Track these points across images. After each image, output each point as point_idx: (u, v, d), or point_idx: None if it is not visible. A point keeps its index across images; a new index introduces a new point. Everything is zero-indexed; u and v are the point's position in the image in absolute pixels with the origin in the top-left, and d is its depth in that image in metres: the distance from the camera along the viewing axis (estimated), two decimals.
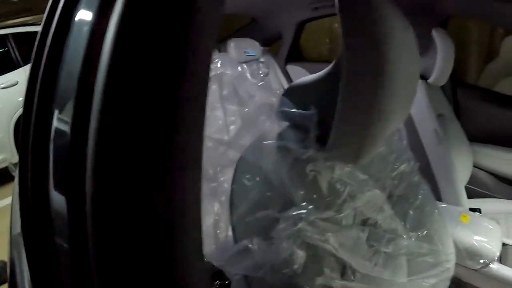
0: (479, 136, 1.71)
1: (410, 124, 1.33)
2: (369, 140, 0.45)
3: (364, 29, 0.42)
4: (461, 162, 1.56)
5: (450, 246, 0.89)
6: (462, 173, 1.57)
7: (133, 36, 0.27)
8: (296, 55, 2.37)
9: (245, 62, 2.15)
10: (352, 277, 0.58)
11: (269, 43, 2.38)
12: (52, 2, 0.39)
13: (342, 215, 0.54)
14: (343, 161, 0.52)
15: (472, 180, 1.69)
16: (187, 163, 0.28)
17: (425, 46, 1.41)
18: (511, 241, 1.15)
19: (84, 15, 0.35)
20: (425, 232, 0.84)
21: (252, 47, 2.17)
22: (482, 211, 1.42)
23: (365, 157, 0.48)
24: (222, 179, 1.09)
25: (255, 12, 2.19)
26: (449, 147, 1.48)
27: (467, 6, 1.47)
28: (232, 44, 2.05)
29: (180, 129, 0.27)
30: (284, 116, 0.57)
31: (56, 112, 0.35)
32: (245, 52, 2.12)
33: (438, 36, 1.32)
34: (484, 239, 1.07)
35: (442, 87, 1.75)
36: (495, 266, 1.04)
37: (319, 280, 0.49)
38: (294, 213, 0.44)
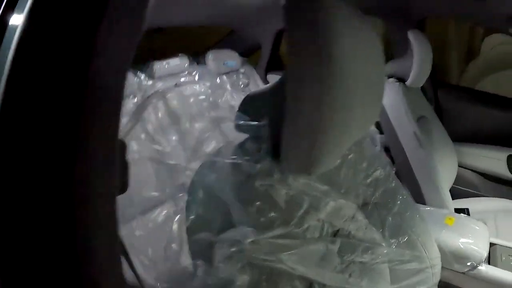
0: (462, 136, 1.71)
1: (389, 128, 1.32)
2: (319, 149, 0.42)
3: (305, 32, 0.39)
4: (446, 163, 1.55)
5: (434, 250, 0.87)
6: (448, 174, 1.56)
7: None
8: (276, 64, 2.35)
9: (225, 73, 2.13)
10: None
11: (249, 53, 2.37)
12: None
13: (303, 227, 0.51)
14: (297, 172, 0.49)
15: (459, 180, 1.68)
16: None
17: (404, 49, 1.41)
18: (500, 241, 1.13)
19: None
20: (407, 238, 0.82)
21: (231, 58, 2.15)
22: (470, 211, 1.40)
23: (320, 166, 0.45)
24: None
25: (232, 23, 2.18)
26: (433, 149, 1.47)
27: (442, 6, 1.48)
28: (210, 56, 2.03)
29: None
30: (241, 129, 0.54)
31: None
32: (224, 63, 2.10)
33: (413, 38, 1.31)
34: (471, 241, 1.05)
35: (423, 89, 1.75)
36: (483, 268, 1.02)
37: None
38: (229, 235, 0.41)
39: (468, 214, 1.37)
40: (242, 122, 0.53)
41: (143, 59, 1.51)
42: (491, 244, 1.12)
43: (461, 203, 1.51)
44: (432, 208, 1.23)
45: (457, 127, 1.73)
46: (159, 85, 1.43)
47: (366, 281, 0.71)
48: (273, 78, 2.33)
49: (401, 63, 1.37)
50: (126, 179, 0.35)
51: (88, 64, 0.27)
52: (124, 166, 0.34)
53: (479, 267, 1.02)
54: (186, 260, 0.56)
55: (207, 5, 1.56)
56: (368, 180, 0.77)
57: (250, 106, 0.55)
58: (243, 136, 0.54)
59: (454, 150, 1.61)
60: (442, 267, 1.00)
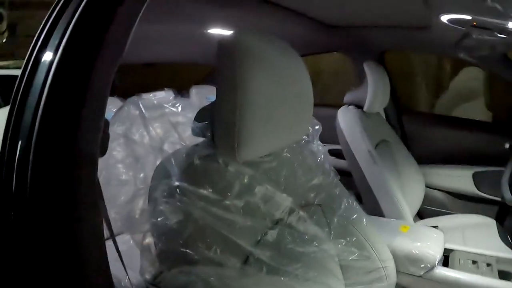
0: (429, 157, 1.82)
1: (347, 149, 1.46)
2: (236, 137, 0.60)
3: (226, 77, 0.61)
4: (412, 185, 1.64)
5: (385, 252, 0.93)
6: (415, 195, 1.64)
7: None
8: None
9: None
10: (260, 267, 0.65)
11: None
12: (31, 49, 0.51)
13: (240, 203, 0.65)
14: (226, 155, 0.65)
15: (428, 200, 1.77)
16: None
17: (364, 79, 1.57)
18: (458, 246, 1.20)
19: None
20: (355, 239, 0.89)
21: (213, 93, 2.30)
22: (439, 228, 1.46)
23: (241, 152, 0.61)
24: None
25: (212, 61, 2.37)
26: (397, 171, 1.57)
27: (396, 40, 1.65)
28: (193, 91, 2.21)
29: None
30: (194, 131, 0.68)
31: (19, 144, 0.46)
32: (206, 98, 2.26)
33: (368, 69, 1.47)
34: (424, 245, 1.11)
35: (387, 116, 1.89)
36: (439, 270, 1.07)
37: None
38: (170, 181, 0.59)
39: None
40: (193, 125, 0.67)
41: (136, 92, 1.68)
42: (450, 250, 1.18)
43: (431, 221, 1.58)
44: (388, 219, 1.31)
45: (423, 150, 1.85)
46: (146, 114, 1.57)
47: (313, 273, 0.77)
48: None
49: (358, 92, 1.52)
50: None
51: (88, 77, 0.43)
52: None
53: (435, 270, 1.07)
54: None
55: (191, 44, 1.74)
56: (309, 184, 0.87)
57: (200, 115, 0.69)
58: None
59: (419, 172, 1.71)
60: (400, 272, 1.06)
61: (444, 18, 1.12)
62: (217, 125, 0.63)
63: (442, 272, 1.08)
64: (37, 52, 0.49)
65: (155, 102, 1.75)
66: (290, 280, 0.72)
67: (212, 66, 2.49)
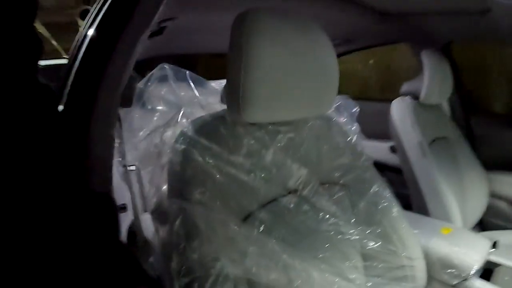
0: (495, 163, 1.63)
1: (397, 140, 1.36)
2: (241, 98, 0.64)
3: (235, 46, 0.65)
4: (475, 189, 1.50)
5: (415, 251, 0.86)
6: (476, 201, 1.50)
7: None
8: None
9: None
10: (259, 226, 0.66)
11: None
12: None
13: (243, 161, 0.68)
14: (234, 116, 0.68)
15: (493, 212, 1.59)
16: None
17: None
18: (505, 261, 1.05)
19: None
20: (380, 230, 0.84)
21: None
22: (499, 243, 1.26)
23: (247, 113, 0.65)
24: None
25: None
26: (458, 172, 1.44)
27: (456, 30, 1.50)
28: None
29: None
30: (221, 99, 0.75)
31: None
32: None
33: (425, 57, 1.37)
34: (462, 251, 1.00)
35: (454, 114, 1.73)
36: (475, 282, 0.95)
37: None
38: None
39: (495, 247, 1.23)
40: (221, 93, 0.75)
41: None
42: (497, 265, 1.04)
43: (492, 235, 1.39)
44: (431, 218, 1.20)
45: (491, 154, 1.65)
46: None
47: (323, 253, 0.75)
48: None
49: (415, 82, 1.42)
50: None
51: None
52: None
53: (471, 281, 0.95)
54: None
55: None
56: (335, 163, 0.84)
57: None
58: None
59: (484, 177, 1.55)
60: (433, 277, 0.99)
61: None
62: (226, 87, 0.67)
63: (478, 285, 0.95)
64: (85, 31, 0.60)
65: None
66: (291, 251, 0.70)
67: None
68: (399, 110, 1.38)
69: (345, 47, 2.06)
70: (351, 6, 1.34)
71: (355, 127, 0.93)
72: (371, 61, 2.35)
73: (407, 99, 1.43)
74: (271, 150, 0.72)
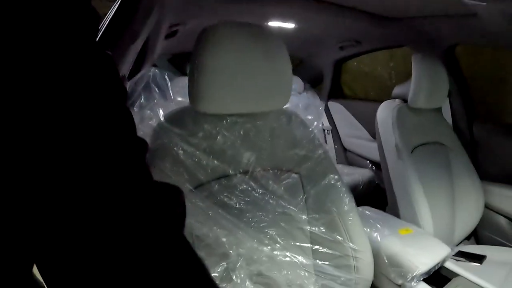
0: (497, 174, 1.60)
1: (378, 139, 1.41)
2: (196, 90, 0.80)
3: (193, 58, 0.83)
4: (468, 199, 1.48)
5: (361, 243, 0.92)
6: (470, 211, 1.49)
7: None
8: (337, 93, 2.55)
9: None
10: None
11: (317, 81, 2.63)
12: None
13: (201, 142, 0.84)
14: (193, 105, 0.83)
15: (489, 225, 1.57)
16: None
17: None
18: (466, 273, 1.01)
19: None
20: (329, 218, 0.92)
21: (295, 82, 2.44)
22: (487, 259, 1.25)
23: (202, 102, 0.81)
24: None
25: (300, 53, 2.50)
26: (449, 180, 1.45)
27: (454, 33, 1.52)
28: None
29: None
30: None
31: None
32: None
33: (414, 62, 1.39)
34: (413, 252, 1.00)
35: (456, 121, 1.72)
36: (419, 286, 0.94)
37: None
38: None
39: (480, 262, 1.22)
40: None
41: None
42: (456, 274, 1.02)
43: (484, 249, 1.36)
44: (394, 217, 1.22)
45: (492, 164, 1.63)
46: None
47: (272, 230, 0.85)
48: (333, 105, 2.52)
49: (405, 85, 1.44)
50: None
51: None
52: None
53: (416, 284, 0.94)
54: None
55: (289, 37, 1.94)
56: (291, 152, 0.94)
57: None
58: None
59: (480, 188, 1.52)
60: (382, 274, 1.02)
61: None
62: (188, 85, 0.83)
63: None
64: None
65: None
66: (235, 221, 0.81)
67: (300, 58, 2.63)
68: (383, 112, 1.42)
69: (356, 48, 2.16)
70: (354, 12, 1.49)
71: (320, 123, 1.01)
72: (391, 64, 2.37)
73: (396, 101, 1.46)
74: (226, 135, 0.86)
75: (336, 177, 0.97)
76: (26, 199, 0.26)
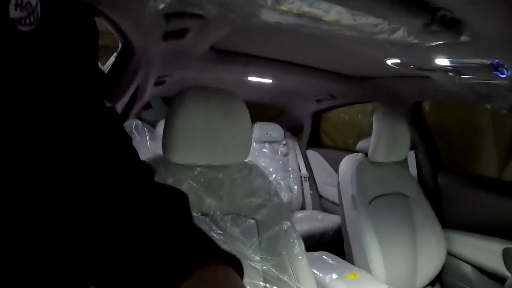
0: (458, 223, 1.68)
1: (339, 191, 1.52)
2: (168, 145, 0.95)
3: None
4: (430, 247, 1.56)
5: (308, 284, 1.01)
6: (431, 258, 1.56)
7: None
8: (315, 141, 2.69)
9: (267, 142, 2.57)
10: None
11: (298, 130, 2.78)
12: None
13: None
14: (166, 155, 0.97)
15: (452, 272, 1.63)
16: None
17: None
18: None
19: None
20: (280, 260, 1.01)
21: (275, 130, 2.60)
22: None
23: (172, 154, 0.95)
24: None
25: (280, 103, 2.67)
26: (416, 228, 1.54)
27: (417, 92, 1.67)
28: (256, 126, 2.53)
29: None
30: None
31: None
32: (267, 133, 2.55)
33: (374, 119, 1.52)
34: None
35: (421, 172, 1.84)
36: None
37: None
38: None
39: None
40: None
41: None
42: None
43: None
44: (346, 262, 1.31)
45: (455, 213, 1.71)
46: None
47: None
48: (312, 153, 2.66)
49: (368, 140, 1.55)
50: None
51: None
52: None
53: None
54: None
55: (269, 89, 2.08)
56: (248, 200, 1.05)
57: None
58: None
59: (441, 235, 1.59)
60: None
61: (439, 61, 1.02)
62: (162, 138, 0.96)
63: None
64: None
65: None
66: None
67: (281, 107, 2.81)
68: (344, 165, 1.53)
69: (332, 101, 2.34)
70: (326, 73, 1.71)
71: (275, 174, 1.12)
72: (370, 111, 2.52)
73: (358, 155, 1.58)
74: (192, 183, 0.98)
75: (289, 223, 1.07)
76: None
